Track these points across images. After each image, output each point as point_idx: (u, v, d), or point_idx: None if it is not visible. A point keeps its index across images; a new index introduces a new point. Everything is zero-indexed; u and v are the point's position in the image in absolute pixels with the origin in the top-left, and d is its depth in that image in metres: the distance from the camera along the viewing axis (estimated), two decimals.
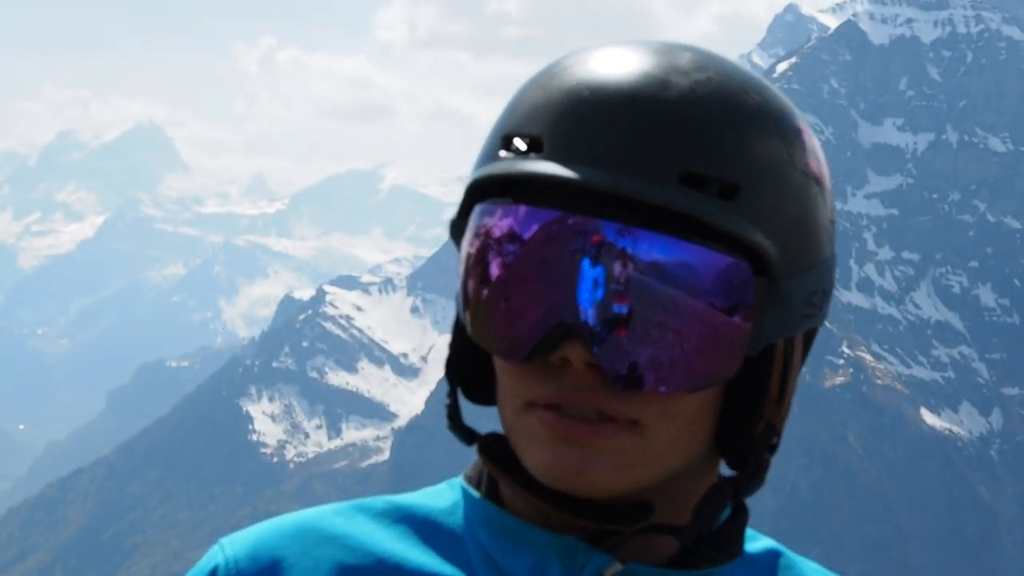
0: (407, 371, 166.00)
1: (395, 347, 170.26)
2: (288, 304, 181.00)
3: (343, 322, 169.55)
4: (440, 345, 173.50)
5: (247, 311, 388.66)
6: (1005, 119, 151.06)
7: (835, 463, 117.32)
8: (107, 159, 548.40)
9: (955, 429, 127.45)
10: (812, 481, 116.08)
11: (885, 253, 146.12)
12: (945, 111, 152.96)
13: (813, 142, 1.33)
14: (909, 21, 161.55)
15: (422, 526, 1.43)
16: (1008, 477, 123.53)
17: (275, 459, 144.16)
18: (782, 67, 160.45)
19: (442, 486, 1.48)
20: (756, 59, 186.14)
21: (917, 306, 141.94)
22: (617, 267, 1.20)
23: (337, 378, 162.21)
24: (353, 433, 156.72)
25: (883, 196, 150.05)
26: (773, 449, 1.37)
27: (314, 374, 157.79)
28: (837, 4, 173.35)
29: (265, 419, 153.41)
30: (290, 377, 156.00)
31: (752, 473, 1.35)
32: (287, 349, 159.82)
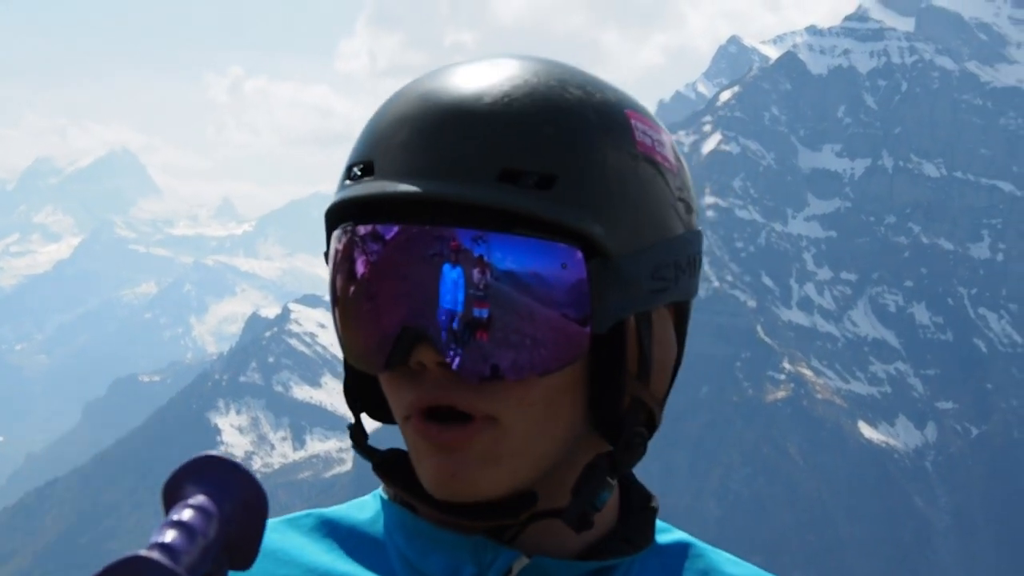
0: None
1: None
2: (255, 321, 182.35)
3: (307, 339, 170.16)
4: None
5: (216, 328, 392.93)
6: (938, 145, 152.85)
7: (776, 473, 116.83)
8: (83, 183, 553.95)
9: (891, 442, 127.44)
10: (754, 491, 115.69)
11: (824, 273, 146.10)
12: (881, 138, 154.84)
13: (650, 128, 1.33)
14: (846, 52, 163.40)
15: (348, 536, 1.42)
16: (942, 488, 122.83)
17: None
18: (725, 95, 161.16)
19: (368, 497, 1.48)
20: (701, 88, 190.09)
21: (855, 324, 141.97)
22: (475, 273, 1.20)
23: (302, 392, 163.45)
24: (317, 445, 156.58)
25: (822, 219, 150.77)
26: (653, 426, 1.37)
27: (280, 388, 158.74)
28: (778, 36, 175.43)
29: (233, 431, 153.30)
30: (257, 391, 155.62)
31: (625, 447, 1.33)
32: (254, 364, 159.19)
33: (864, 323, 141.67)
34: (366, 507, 1.46)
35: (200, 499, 0.94)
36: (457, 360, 1.22)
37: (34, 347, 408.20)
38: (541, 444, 1.28)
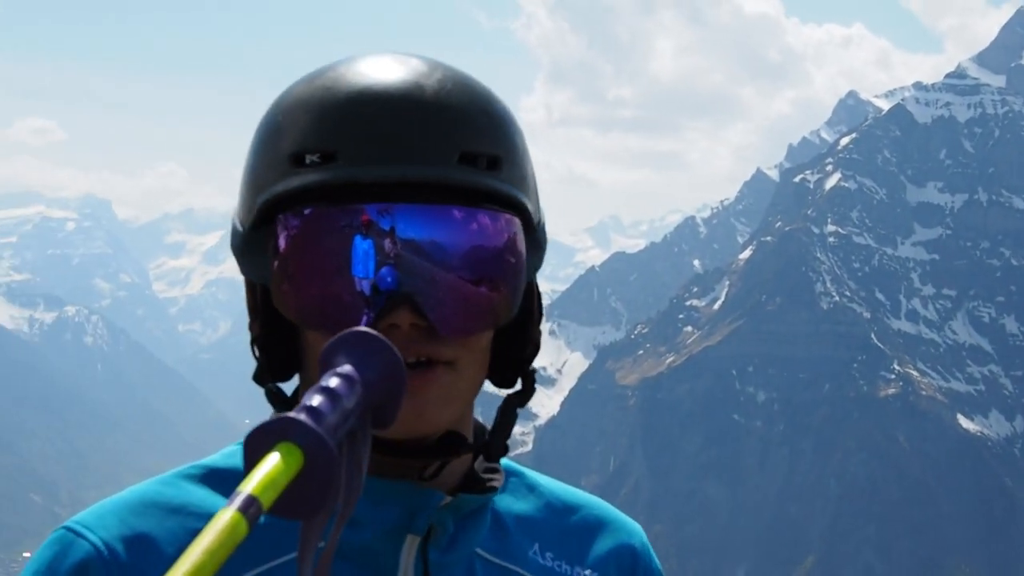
0: (546, 381, 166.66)
1: (536, 362, 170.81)
2: None
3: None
4: (573, 360, 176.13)
5: None
6: None
7: (887, 458, 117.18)
8: None
9: (985, 431, 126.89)
10: (868, 472, 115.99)
11: (928, 290, 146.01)
12: (977, 176, 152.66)
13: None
14: (948, 104, 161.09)
15: (235, 483, 1.11)
16: None
17: None
18: (844, 141, 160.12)
19: (237, 446, 1.36)
20: (824, 134, 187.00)
21: (954, 332, 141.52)
22: (388, 244, 1.21)
23: (489, 387, 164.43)
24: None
25: (927, 244, 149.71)
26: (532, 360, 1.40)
27: None
28: (889, 91, 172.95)
29: None
30: None
31: (531, 386, 1.38)
32: None
33: (962, 331, 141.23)
34: (239, 455, 1.36)
35: (346, 368, 0.95)
36: (438, 320, 1.22)
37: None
38: (474, 389, 1.31)
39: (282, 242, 1.25)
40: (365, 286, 1.21)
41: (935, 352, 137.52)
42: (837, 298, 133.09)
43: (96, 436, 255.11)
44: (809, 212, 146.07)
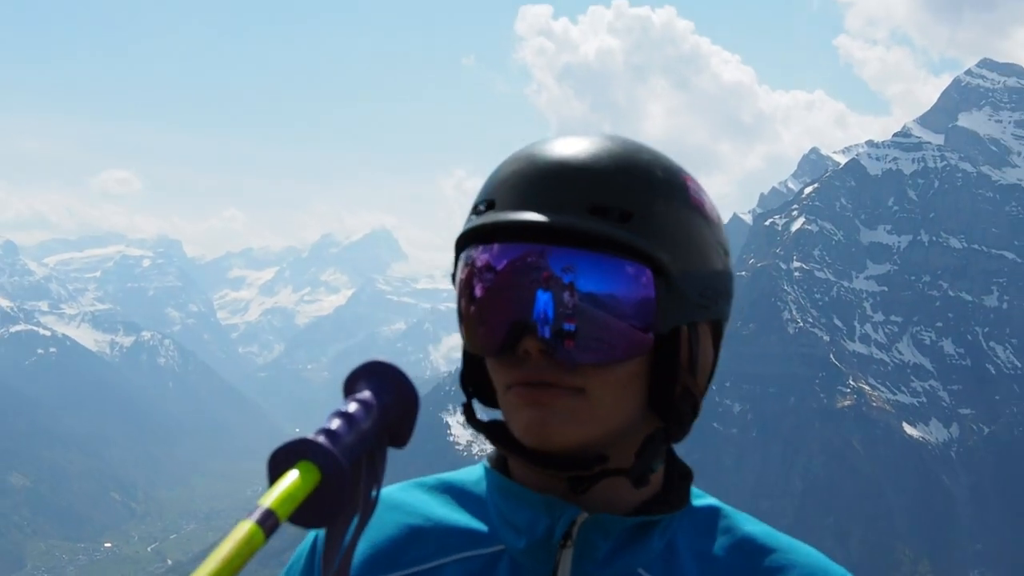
0: None
1: None
2: None
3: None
4: None
5: (446, 353, 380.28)
6: (961, 225, 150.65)
7: (844, 460, 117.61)
8: (354, 252, 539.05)
9: (926, 437, 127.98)
10: (828, 472, 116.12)
11: (878, 317, 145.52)
12: (920, 220, 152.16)
13: (700, 191, 1.32)
14: (895, 159, 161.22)
15: (459, 494, 1.40)
16: (962, 471, 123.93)
17: (465, 454, 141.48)
18: (808, 190, 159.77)
19: (476, 466, 1.45)
20: (790, 185, 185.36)
21: (900, 353, 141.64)
22: (565, 295, 1.21)
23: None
24: None
25: (877, 278, 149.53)
26: (695, 411, 1.33)
27: None
28: (845, 147, 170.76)
29: (458, 426, 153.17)
30: None
31: (677, 424, 1.31)
32: None
33: (907, 352, 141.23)
34: (474, 472, 1.43)
35: (365, 394, 0.97)
36: (555, 349, 1.22)
37: (320, 367, 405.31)
38: (617, 417, 1.27)
39: (458, 272, 1.30)
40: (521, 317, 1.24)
41: (884, 370, 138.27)
42: (801, 324, 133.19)
43: (167, 443, 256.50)
44: (778, 251, 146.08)
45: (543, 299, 1.21)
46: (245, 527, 0.82)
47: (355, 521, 0.98)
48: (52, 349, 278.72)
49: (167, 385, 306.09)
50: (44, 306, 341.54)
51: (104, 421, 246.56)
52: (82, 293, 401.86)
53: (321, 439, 0.90)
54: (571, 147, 1.27)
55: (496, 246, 1.24)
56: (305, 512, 0.87)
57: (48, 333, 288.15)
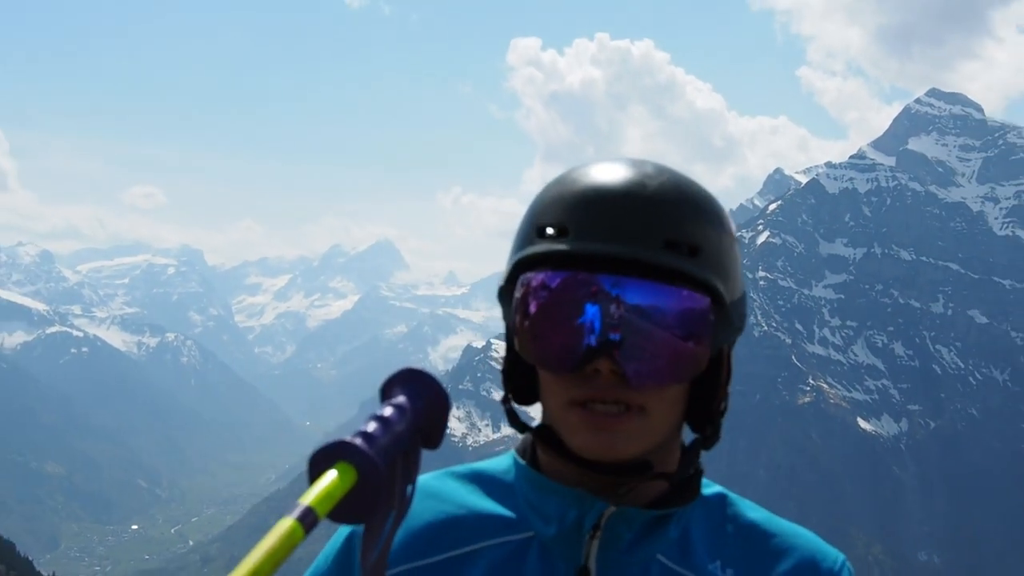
0: None
1: None
2: (469, 351, 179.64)
3: (503, 361, 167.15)
4: None
5: (444, 354, 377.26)
6: (911, 239, 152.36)
7: (804, 452, 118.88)
8: (360, 261, 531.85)
9: (879, 431, 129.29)
10: (789, 462, 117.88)
11: (835, 321, 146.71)
12: (873, 234, 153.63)
13: (731, 220, 1.33)
14: (851, 179, 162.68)
15: (488, 482, 1.40)
16: (911, 461, 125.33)
17: (460, 445, 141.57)
18: (772, 207, 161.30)
19: (505, 456, 1.44)
20: (756, 202, 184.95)
21: (855, 354, 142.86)
22: (613, 308, 1.22)
23: (498, 395, 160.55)
24: (508, 430, 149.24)
25: (835, 286, 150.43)
26: (724, 414, 1.36)
27: (484, 393, 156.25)
28: (806, 168, 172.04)
29: (454, 420, 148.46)
30: (470, 395, 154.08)
31: (714, 432, 1.34)
32: (468, 377, 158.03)
33: (861, 354, 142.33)
34: (502, 462, 1.43)
35: (400, 398, 0.98)
36: (631, 372, 1.23)
37: (328, 365, 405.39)
38: (665, 430, 1.29)
39: (520, 295, 1.28)
40: (588, 338, 1.23)
41: (840, 370, 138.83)
42: (765, 328, 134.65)
43: (189, 435, 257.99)
44: (744, 262, 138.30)
45: (611, 322, 1.22)
46: (286, 523, 0.83)
47: (392, 517, 0.99)
48: (84, 349, 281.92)
49: (189, 382, 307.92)
50: (77, 310, 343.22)
51: (131, 415, 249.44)
52: (112, 298, 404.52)
53: (358, 441, 0.91)
54: (636, 177, 1.27)
55: (580, 274, 1.24)
56: (343, 510, 0.88)
57: (81, 334, 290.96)
